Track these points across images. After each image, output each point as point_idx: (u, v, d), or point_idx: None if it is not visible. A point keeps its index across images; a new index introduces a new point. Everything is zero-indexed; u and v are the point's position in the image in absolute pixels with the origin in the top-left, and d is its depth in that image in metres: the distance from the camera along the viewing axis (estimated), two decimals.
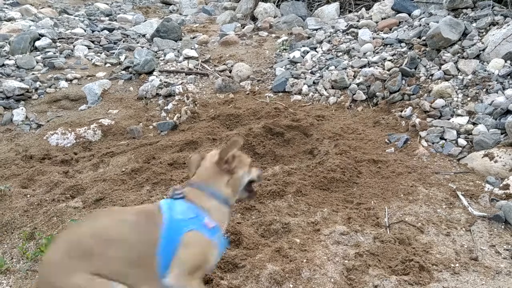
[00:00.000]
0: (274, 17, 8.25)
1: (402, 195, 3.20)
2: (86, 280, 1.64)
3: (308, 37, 6.62)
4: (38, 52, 6.48)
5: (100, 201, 3.27)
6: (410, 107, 4.30)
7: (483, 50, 4.44)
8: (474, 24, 4.79)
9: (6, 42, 6.64)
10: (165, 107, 5.04)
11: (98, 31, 7.95)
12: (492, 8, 4.87)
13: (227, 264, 2.51)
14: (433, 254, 2.58)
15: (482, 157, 3.47)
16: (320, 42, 6.21)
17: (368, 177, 3.48)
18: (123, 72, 5.96)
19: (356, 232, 2.78)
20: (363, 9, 7.11)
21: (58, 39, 7.00)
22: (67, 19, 8.70)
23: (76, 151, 4.33)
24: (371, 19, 6.43)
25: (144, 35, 7.81)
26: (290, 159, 4.05)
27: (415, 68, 4.69)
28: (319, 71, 5.47)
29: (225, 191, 1.96)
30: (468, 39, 4.61)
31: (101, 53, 6.75)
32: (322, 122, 4.48)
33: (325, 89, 5.13)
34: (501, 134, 3.62)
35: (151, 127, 4.74)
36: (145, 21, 8.84)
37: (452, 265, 2.49)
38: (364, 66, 5.17)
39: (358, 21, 6.59)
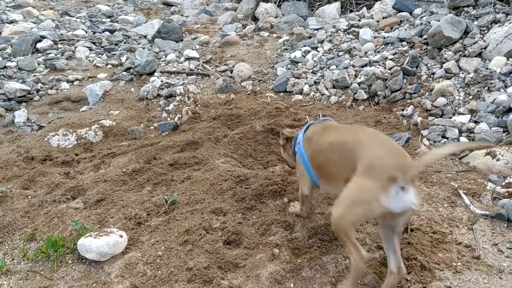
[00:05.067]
0: (275, 17, 8.25)
1: None
2: None
3: (309, 37, 6.61)
4: (39, 54, 6.50)
5: (101, 201, 3.28)
6: (411, 106, 4.28)
7: (485, 48, 4.42)
8: (475, 22, 4.77)
9: (8, 44, 6.66)
10: (166, 108, 5.04)
11: (100, 33, 7.96)
12: (494, 6, 4.85)
13: (228, 264, 2.50)
14: (435, 253, 2.56)
15: (484, 156, 3.45)
16: (321, 42, 6.21)
17: None
18: (124, 73, 5.97)
19: (357, 231, 2.76)
20: (364, 8, 7.09)
21: (60, 40, 7.01)
22: (68, 21, 8.72)
23: (77, 152, 4.34)
24: (372, 18, 6.42)
25: (145, 36, 7.82)
26: None
27: (417, 67, 4.68)
28: (320, 70, 5.46)
29: None
30: (469, 38, 4.59)
31: (102, 54, 6.76)
32: None
33: (326, 89, 5.12)
34: (503, 132, 3.60)
35: (152, 127, 4.74)
36: (146, 22, 8.86)
37: (454, 264, 2.48)
38: (365, 65, 5.16)
39: (359, 20, 6.58)
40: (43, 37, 6.81)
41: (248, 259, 2.53)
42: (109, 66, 6.36)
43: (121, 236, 2.68)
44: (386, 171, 1.93)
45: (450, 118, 3.95)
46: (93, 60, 6.48)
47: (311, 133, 2.61)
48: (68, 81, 5.75)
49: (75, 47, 6.80)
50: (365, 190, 1.96)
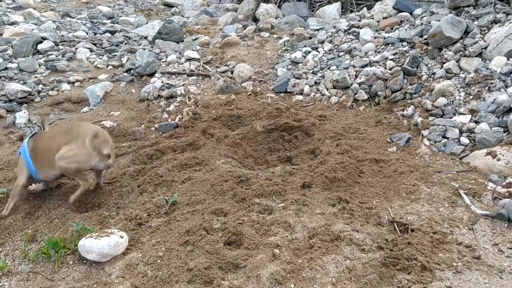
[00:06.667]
0: (276, 17, 8.25)
1: (404, 194, 3.19)
2: None
3: (310, 37, 6.61)
4: (40, 55, 6.51)
5: (102, 202, 3.28)
6: (412, 106, 4.28)
7: (485, 48, 4.42)
8: (476, 22, 4.77)
9: (9, 46, 6.67)
10: (167, 109, 5.05)
11: (100, 34, 7.97)
12: (494, 6, 4.84)
13: (228, 264, 2.50)
14: (435, 253, 2.56)
15: (485, 156, 3.45)
16: (322, 42, 6.21)
17: (370, 176, 3.46)
18: (125, 74, 5.98)
19: (357, 231, 2.76)
20: (365, 8, 7.09)
21: (61, 42, 7.02)
22: (69, 22, 8.73)
23: None
24: (372, 18, 6.42)
25: (146, 37, 7.83)
26: (291, 159, 4.04)
27: (417, 67, 4.68)
28: (320, 71, 5.46)
29: None
30: (470, 38, 4.59)
31: (103, 55, 6.77)
32: (324, 122, 4.47)
33: (327, 89, 5.13)
34: (504, 132, 3.60)
35: (153, 128, 4.75)
36: (147, 23, 8.86)
37: (455, 264, 2.48)
38: (366, 65, 5.16)
39: (359, 20, 6.58)
40: (44, 39, 6.82)
41: (249, 260, 2.53)
42: (109, 67, 6.37)
43: (121, 237, 2.68)
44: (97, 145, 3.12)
45: (451, 118, 3.95)
46: (94, 61, 6.49)
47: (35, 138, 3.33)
48: (69, 82, 5.76)
49: (76, 48, 6.82)
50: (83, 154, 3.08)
